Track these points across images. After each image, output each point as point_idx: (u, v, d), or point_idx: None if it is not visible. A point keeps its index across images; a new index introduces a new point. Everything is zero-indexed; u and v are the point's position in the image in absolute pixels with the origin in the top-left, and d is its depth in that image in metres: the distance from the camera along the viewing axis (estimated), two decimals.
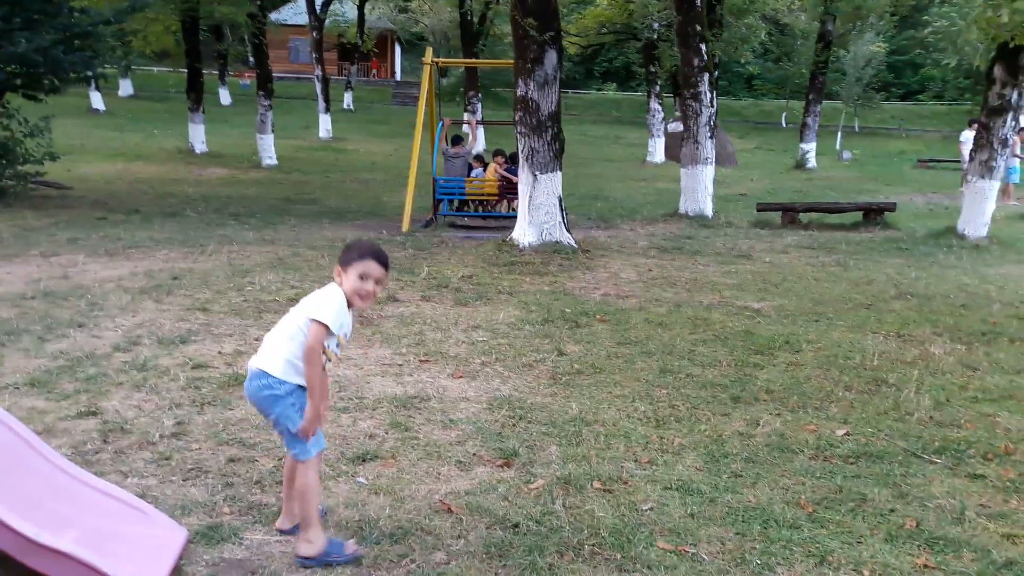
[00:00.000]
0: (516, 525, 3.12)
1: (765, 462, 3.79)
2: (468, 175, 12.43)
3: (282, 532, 3.02)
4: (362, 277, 2.79)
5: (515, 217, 10.19)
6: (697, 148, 12.99)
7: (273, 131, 20.66)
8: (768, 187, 19.84)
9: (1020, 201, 16.88)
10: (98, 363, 4.88)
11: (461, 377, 4.96)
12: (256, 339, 5.53)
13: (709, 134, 13.01)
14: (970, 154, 11.37)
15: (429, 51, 12.76)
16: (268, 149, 20.49)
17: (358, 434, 3.99)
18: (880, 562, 2.93)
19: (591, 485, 3.49)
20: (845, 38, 27.85)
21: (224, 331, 5.74)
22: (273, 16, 32.50)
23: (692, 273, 8.55)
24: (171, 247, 8.94)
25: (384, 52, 49.94)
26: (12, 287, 6.77)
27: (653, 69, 26.95)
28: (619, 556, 2.93)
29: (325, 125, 28.37)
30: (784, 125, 42.59)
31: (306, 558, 2.80)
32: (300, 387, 2.80)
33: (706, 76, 12.96)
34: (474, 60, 25.01)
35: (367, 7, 37.28)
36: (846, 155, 30.35)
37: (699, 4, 12.82)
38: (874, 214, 12.63)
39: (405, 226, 11.10)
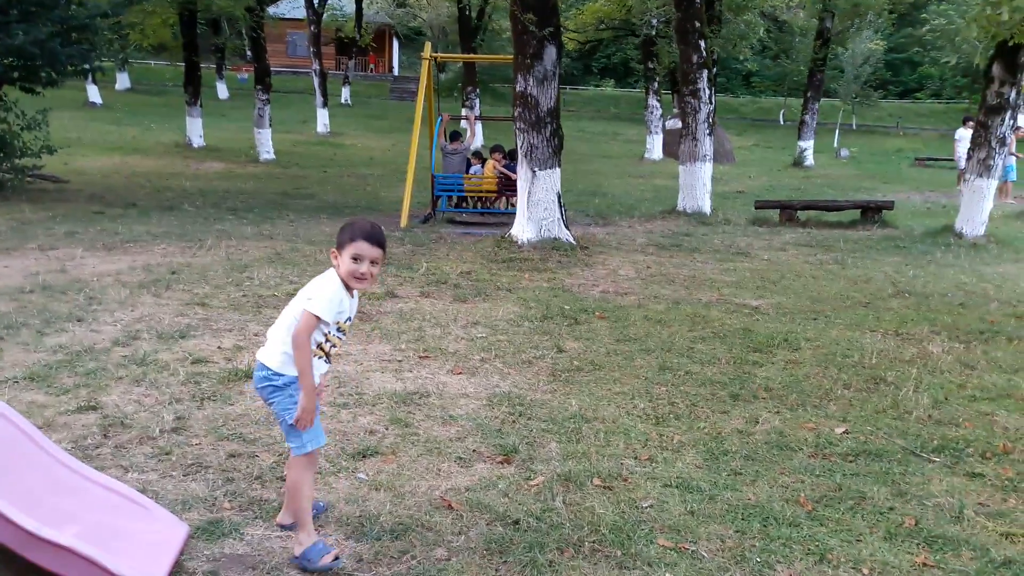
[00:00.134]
0: (516, 522, 3.13)
1: (764, 460, 3.80)
2: (466, 172, 12.43)
3: (282, 527, 3.02)
4: (355, 259, 2.74)
5: (513, 213, 10.19)
6: (696, 145, 13.00)
7: (271, 125, 20.63)
8: (766, 184, 19.86)
9: (1017, 200, 16.92)
10: (97, 357, 4.87)
11: (461, 373, 4.96)
12: (255, 334, 5.54)
13: (708, 131, 13.01)
14: (968, 152, 11.38)
15: (428, 46, 12.74)
16: (266, 143, 20.46)
17: (358, 430, 3.99)
18: (879, 560, 2.95)
19: (591, 482, 3.50)
20: (843, 35, 27.85)
21: (223, 326, 5.74)
22: (271, 10, 32.38)
23: (690, 270, 8.55)
24: (169, 241, 8.93)
25: (382, 47, 49.84)
26: (10, 281, 6.76)
27: (651, 65, 26.96)
28: (619, 553, 2.94)
29: (323, 119, 28.33)
30: (782, 122, 42.64)
31: (297, 558, 2.80)
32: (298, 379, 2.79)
33: (705, 73, 12.96)
34: (473, 55, 24.97)
35: (365, 1, 37.22)
36: (844, 153, 30.39)
37: (698, 1, 12.81)
38: (872, 212, 12.65)
39: (403, 221, 11.09)
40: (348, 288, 2.82)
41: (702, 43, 12.84)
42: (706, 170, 13.07)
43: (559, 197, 9.66)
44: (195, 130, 21.66)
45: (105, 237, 9.01)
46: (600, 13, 27.72)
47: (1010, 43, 9.98)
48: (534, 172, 9.46)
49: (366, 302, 6.43)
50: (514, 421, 4.20)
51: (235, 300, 6.47)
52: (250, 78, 29.94)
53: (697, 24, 12.77)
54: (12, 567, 2.51)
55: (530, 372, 5.03)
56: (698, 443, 3.97)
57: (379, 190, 15.74)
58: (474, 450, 3.81)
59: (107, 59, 22.17)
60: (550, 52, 9.34)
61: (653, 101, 26.58)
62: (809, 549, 3.00)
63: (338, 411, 4.22)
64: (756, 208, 13.24)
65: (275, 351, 2.82)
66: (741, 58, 33.60)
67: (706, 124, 13.00)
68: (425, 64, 12.15)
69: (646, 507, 3.29)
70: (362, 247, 2.74)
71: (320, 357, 2.85)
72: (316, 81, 28.51)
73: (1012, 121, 10.81)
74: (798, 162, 25.13)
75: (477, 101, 27.37)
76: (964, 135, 18.89)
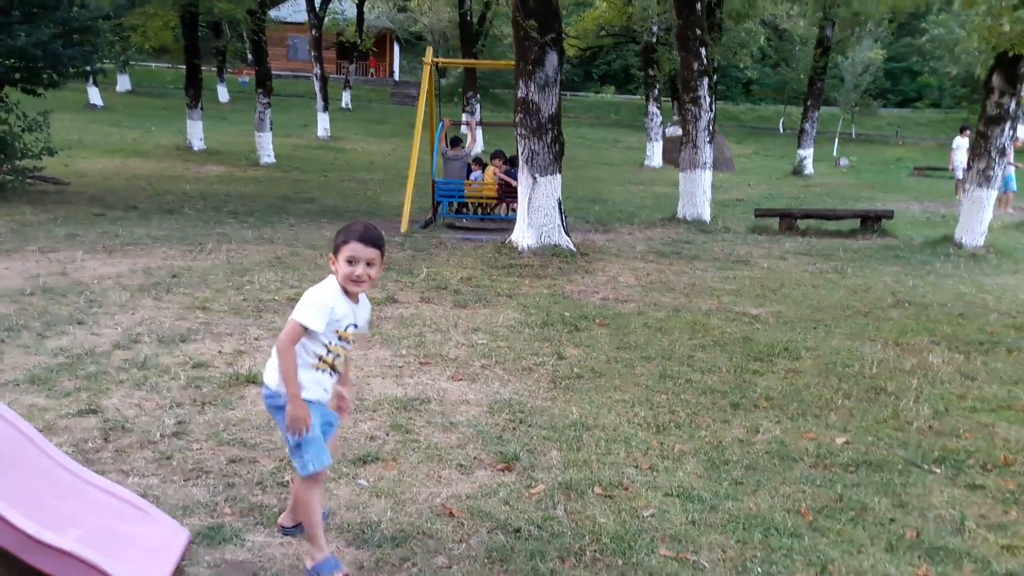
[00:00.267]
0: (518, 530, 3.13)
1: (765, 469, 3.80)
2: (467, 177, 12.43)
3: (283, 529, 3.00)
4: (350, 261, 2.67)
5: (514, 220, 10.20)
6: (696, 152, 13.02)
7: (271, 129, 20.64)
8: (765, 193, 19.89)
9: (1017, 210, 16.96)
10: (98, 361, 4.87)
11: (461, 380, 4.96)
12: (256, 338, 5.54)
13: (708, 139, 13.03)
14: (968, 162, 11.40)
15: (429, 51, 12.75)
16: (266, 147, 20.46)
17: (359, 436, 3.99)
18: (881, 572, 2.94)
19: (592, 490, 3.49)
20: (843, 44, 27.96)
21: (224, 330, 5.73)
22: (272, 13, 32.49)
23: (690, 278, 8.56)
24: (169, 244, 8.93)
25: (383, 51, 49.95)
26: (11, 283, 6.75)
27: (652, 73, 27.02)
28: (620, 563, 2.93)
29: (323, 124, 28.34)
30: (782, 131, 42.74)
31: (308, 572, 2.78)
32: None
33: (705, 80, 12.99)
34: (475, 61, 25.02)
35: (366, 6, 37.28)
36: (843, 162, 30.45)
37: (699, 8, 12.84)
38: (871, 221, 12.67)
39: (404, 227, 11.09)
40: (348, 294, 2.75)
41: (703, 51, 12.87)
42: (706, 178, 13.09)
43: (560, 203, 9.67)
44: (196, 133, 21.67)
45: (105, 240, 9.00)
46: (601, 20, 27.80)
47: (1010, 54, 10.01)
48: (535, 178, 9.47)
49: None
50: (515, 428, 4.20)
51: (236, 304, 6.47)
52: (251, 81, 30.02)
53: (698, 32, 12.80)
54: (12, 571, 2.50)
55: (531, 379, 5.03)
56: (699, 452, 3.97)
57: (379, 195, 15.75)
58: (475, 457, 3.81)
59: (108, 61, 22.28)
60: (552, 58, 9.36)
61: (653, 108, 26.63)
62: (810, 560, 3.00)
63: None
64: (756, 216, 13.25)
65: (272, 370, 2.77)
66: (741, 66, 33.67)
67: (706, 132, 13.02)
68: (427, 69, 12.17)
69: (647, 516, 3.29)
70: (356, 248, 2.67)
71: (323, 370, 2.78)
72: (317, 85, 28.53)
73: (1012, 132, 10.84)
74: (797, 170, 25.18)
75: (478, 106, 27.42)
76: (961, 143, 18.98)
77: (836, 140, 34.74)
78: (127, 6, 15.87)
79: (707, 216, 13.07)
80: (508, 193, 11.52)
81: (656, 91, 27.12)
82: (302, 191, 15.56)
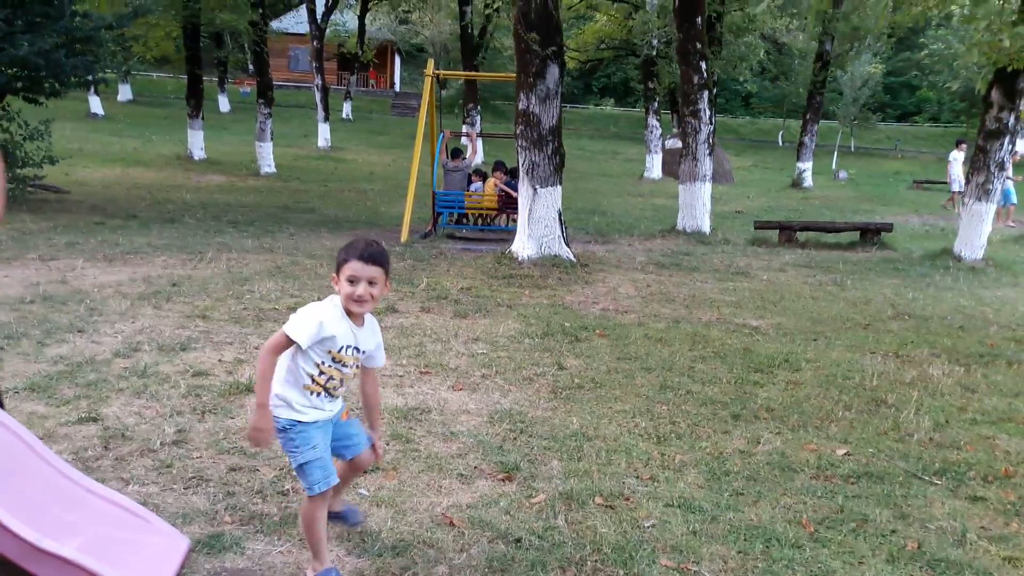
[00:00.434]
0: (518, 540, 3.12)
1: (766, 480, 3.79)
2: (467, 188, 12.45)
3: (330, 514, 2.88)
4: (351, 280, 2.58)
5: (514, 230, 10.22)
6: (695, 165, 13.05)
7: (272, 139, 20.70)
8: (764, 205, 19.93)
9: (1017, 224, 16.99)
10: (98, 369, 4.86)
11: (462, 389, 4.95)
12: (256, 347, 5.53)
13: (708, 151, 13.07)
14: (967, 176, 11.44)
15: (430, 63, 12.80)
16: (267, 157, 20.52)
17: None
18: None
19: (593, 501, 3.49)
20: (843, 58, 28.09)
21: (224, 339, 5.73)
22: (274, 24, 32.63)
23: (690, 289, 8.57)
24: (170, 253, 8.93)
25: (384, 63, 50.12)
26: (11, 291, 6.75)
27: (651, 85, 27.13)
28: (621, 573, 2.92)
29: (324, 134, 28.42)
30: (781, 143, 42.87)
31: None
32: (297, 421, 2.64)
33: (705, 94, 13.04)
34: (476, 73, 25.11)
35: (368, 18, 37.45)
36: (842, 175, 30.53)
37: (700, 22, 12.91)
38: (871, 234, 12.70)
39: (404, 237, 11.11)
40: (351, 315, 2.65)
41: (703, 64, 12.92)
42: (705, 190, 13.12)
43: (560, 214, 9.69)
44: (196, 143, 21.73)
45: (106, 248, 9.01)
46: (601, 33, 27.98)
47: (1009, 69, 10.06)
48: (535, 189, 9.49)
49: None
50: (515, 438, 4.19)
51: (236, 313, 6.47)
52: (252, 92, 30.11)
53: (698, 45, 12.86)
54: None
55: (531, 389, 5.03)
56: (700, 463, 3.97)
57: (379, 205, 15.77)
58: (475, 467, 3.80)
59: (110, 71, 22.33)
60: (553, 71, 9.40)
61: (653, 121, 26.72)
62: (812, 571, 2.99)
63: None
64: (755, 228, 13.28)
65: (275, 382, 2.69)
66: (741, 79, 33.85)
67: (706, 144, 13.06)
68: (428, 81, 12.22)
69: (648, 527, 3.28)
70: (356, 267, 2.57)
71: (316, 393, 2.67)
72: (318, 96, 28.64)
73: (1011, 146, 10.88)
74: (797, 183, 25.24)
75: (478, 118, 27.49)
76: (957, 156, 19.07)
77: (835, 153, 34.85)
78: (130, 16, 15.93)
79: (707, 228, 13.09)
80: (508, 204, 11.54)
81: (656, 104, 27.22)
82: (302, 201, 15.59)
